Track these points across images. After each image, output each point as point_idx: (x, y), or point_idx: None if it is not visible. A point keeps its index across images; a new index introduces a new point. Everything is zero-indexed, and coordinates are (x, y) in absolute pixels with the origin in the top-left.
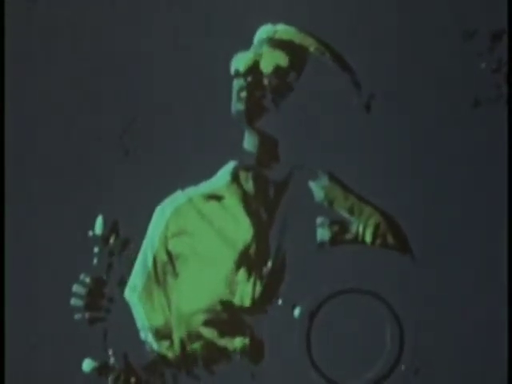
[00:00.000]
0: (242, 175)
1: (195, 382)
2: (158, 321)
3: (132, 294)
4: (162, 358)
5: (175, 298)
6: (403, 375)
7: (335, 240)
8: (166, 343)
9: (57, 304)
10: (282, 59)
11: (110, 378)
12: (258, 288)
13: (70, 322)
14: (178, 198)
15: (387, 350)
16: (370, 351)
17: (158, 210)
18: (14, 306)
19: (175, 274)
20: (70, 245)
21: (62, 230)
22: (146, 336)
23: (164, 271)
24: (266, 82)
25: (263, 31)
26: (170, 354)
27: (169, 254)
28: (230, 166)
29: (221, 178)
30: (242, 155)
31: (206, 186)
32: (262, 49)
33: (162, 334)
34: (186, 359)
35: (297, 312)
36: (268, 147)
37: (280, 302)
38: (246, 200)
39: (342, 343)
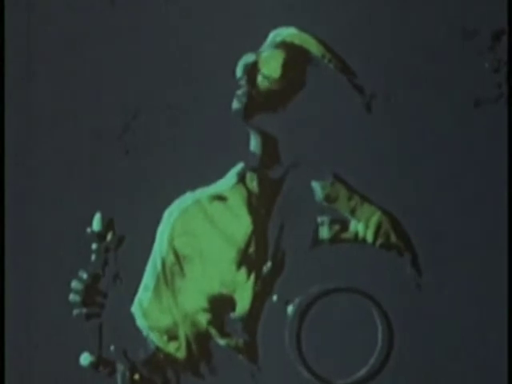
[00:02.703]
0: (248, 176)
1: (198, 379)
2: (167, 322)
3: (144, 294)
4: (169, 359)
5: (181, 298)
6: (392, 374)
7: (335, 239)
8: (175, 344)
9: (57, 300)
10: (279, 60)
11: (119, 374)
12: (257, 288)
13: (69, 318)
14: (186, 199)
15: (378, 348)
16: (361, 350)
17: (167, 213)
18: (14, 303)
19: (182, 275)
20: (71, 242)
21: (63, 228)
22: (154, 337)
23: (172, 272)
24: (262, 81)
25: (271, 34)
26: (178, 355)
27: (176, 254)
28: (239, 167)
29: (228, 179)
30: (249, 157)
31: (214, 187)
32: (265, 50)
33: (171, 335)
34: (191, 359)
35: (290, 309)
36: (271, 148)
37: (275, 298)
38: (250, 201)
39: (332, 342)
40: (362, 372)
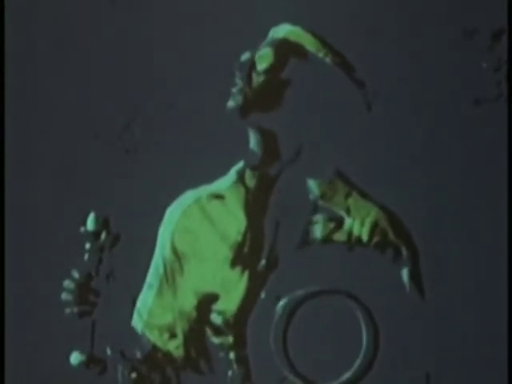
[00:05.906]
0: (248, 175)
1: (197, 377)
2: (168, 319)
3: (148, 292)
4: (168, 357)
5: (179, 296)
6: (377, 376)
7: (328, 238)
8: (174, 343)
9: (51, 299)
10: (274, 57)
11: (119, 374)
12: (250, 286)
13: (62, 316)
14: (188, 197)
15: (364, 350)
16: (347, 352)
17: (168, 211)
18: (13, 301)
19: (181, 272)
20: (69, 241)
21: (62, 228)
22: (153, 336)
23: (172, 270)
24: (257, 79)
25: (270, 32)
26: (177, 353)
27: (175, 252)
28: (239, 165)
29: (228, 178)
30: (249, 155)
31: (215, 185)
32: (262, 47)
33: (172, 333)
34: (189, 357)
35: (277, 309)
36: (270, 146)
37: (263, 295)
38: (247, 199)
39: (318, 344)
40: (348, 374)
